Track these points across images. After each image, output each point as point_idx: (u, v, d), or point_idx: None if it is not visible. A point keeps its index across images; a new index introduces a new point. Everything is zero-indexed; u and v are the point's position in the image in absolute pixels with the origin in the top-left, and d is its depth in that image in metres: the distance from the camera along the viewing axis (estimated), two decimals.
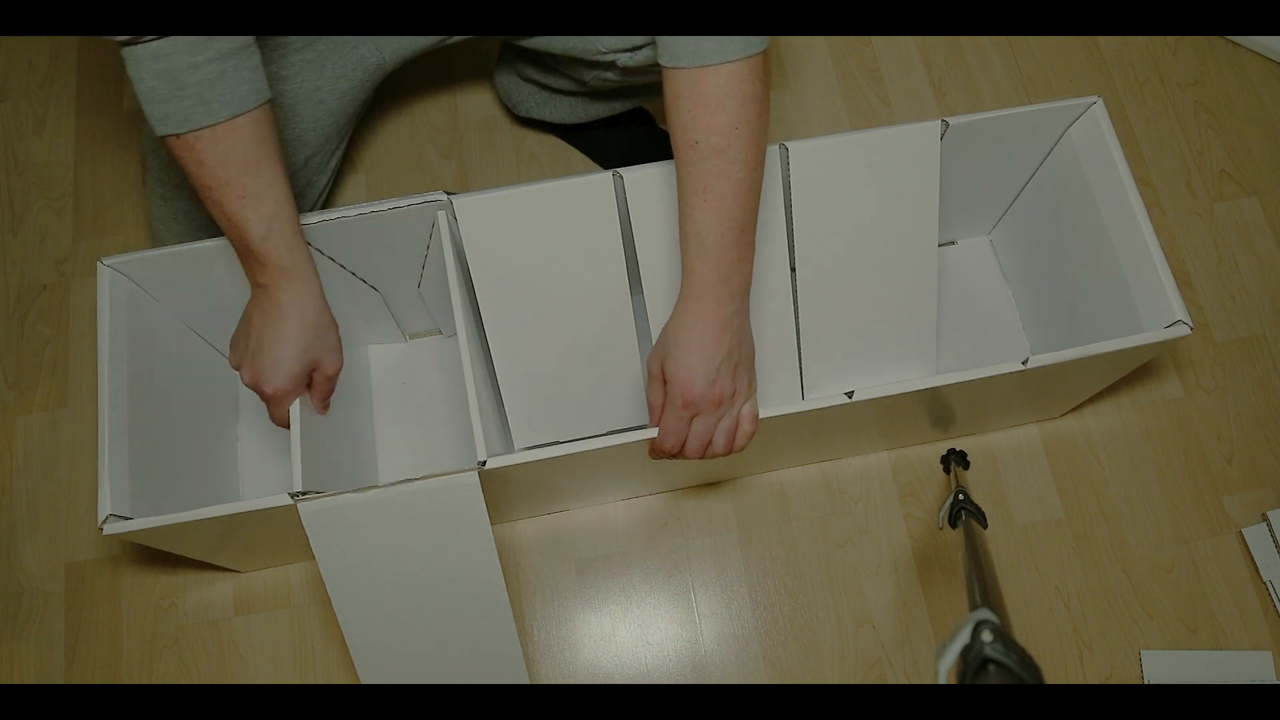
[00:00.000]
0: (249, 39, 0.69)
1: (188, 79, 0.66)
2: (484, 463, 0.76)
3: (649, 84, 0.93)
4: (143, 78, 0.66)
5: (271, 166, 0.71)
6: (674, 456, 0.76)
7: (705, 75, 0.66)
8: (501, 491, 0.86)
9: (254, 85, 0.69)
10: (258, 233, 0.72)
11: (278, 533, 0.84)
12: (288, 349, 0.76)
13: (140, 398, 0.82)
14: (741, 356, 0.74)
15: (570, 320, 0.87)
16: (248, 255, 0.74)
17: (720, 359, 0.72)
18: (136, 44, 0.65)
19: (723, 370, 0.72)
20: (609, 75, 0.90)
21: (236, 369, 0.79)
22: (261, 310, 0.76)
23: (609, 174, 0.82)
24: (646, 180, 0.83)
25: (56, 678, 0.95)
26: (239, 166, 0.69)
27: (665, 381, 0.74)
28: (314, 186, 0.97)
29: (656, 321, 0.88)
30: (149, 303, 0.86)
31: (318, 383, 0.82)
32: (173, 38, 0.65)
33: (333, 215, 0.82)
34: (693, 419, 0.74)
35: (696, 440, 0.75)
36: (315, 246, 0.83)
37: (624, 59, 0.86)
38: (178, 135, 0.68)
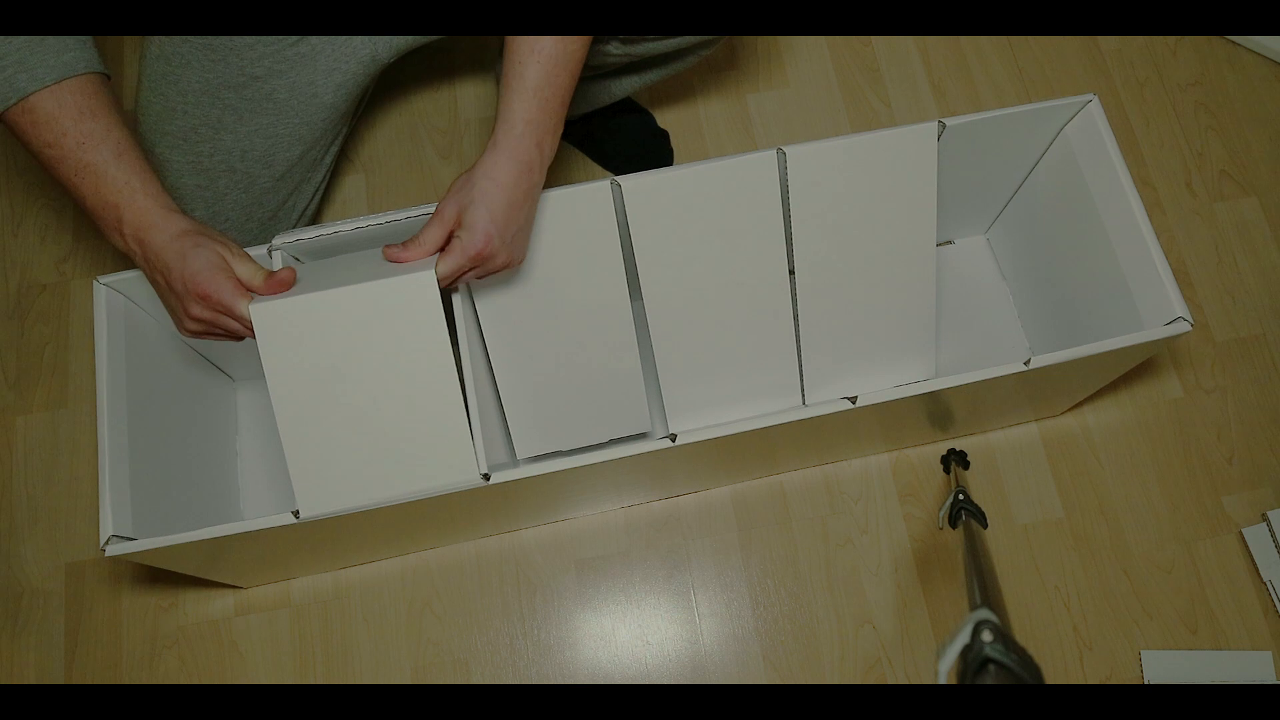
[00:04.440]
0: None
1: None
2: (487, 476, 0.75)
3: (650, 55, 0.93)
4: None
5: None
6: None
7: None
8: (504, 502, 0.86)
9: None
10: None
11: (280, 550, 0.84)
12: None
13: (140, 416, 0.81)
14: (528, 225, 0.76)
15: (570, 327, 0.87)
16: None
17: (519, 224, 0.74)
18: None
19: (518, 238, 0.74)
20: (611, 49, 0.90)
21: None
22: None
23: (607, 181, 0.82)
24: (645, 188, 0.83)
25: (56, 678, 0.95)
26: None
27: (457, 227, 0.72)
28: (309, 183, 0.96)
29: (656, 328, 0.88)
30: (146, 320, 0.86)
31: None
32: None
33: (330, 230, 0.79)
34: (471, 270, 0.74)
35: (458, 279, 0.75)
36: (315, 259, 0.82)
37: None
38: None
